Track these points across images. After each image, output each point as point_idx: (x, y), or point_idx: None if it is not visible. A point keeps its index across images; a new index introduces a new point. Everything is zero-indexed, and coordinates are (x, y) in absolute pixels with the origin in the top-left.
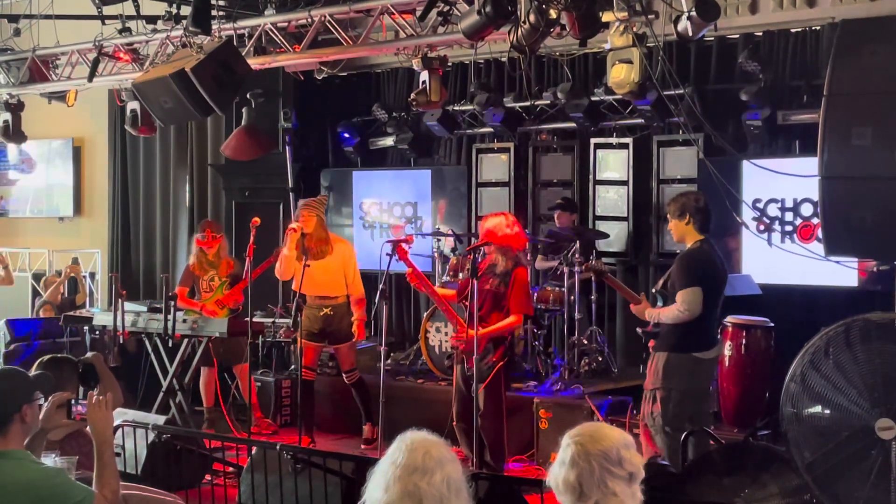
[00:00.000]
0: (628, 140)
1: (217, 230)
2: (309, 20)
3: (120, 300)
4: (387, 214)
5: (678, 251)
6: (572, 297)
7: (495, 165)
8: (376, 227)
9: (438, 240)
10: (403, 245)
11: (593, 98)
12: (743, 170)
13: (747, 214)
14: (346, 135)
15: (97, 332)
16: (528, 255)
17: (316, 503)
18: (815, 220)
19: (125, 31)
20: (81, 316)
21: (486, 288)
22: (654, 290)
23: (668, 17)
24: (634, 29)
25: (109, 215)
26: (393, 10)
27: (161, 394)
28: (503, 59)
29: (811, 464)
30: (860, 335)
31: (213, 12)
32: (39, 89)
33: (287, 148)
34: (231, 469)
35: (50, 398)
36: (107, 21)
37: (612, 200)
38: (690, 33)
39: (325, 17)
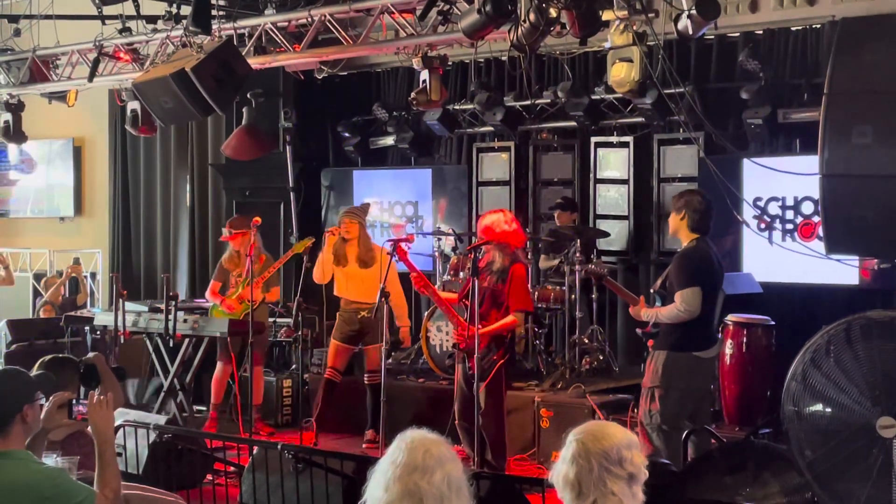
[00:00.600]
0: (629, 139)
1: (237, 226)
2: (309, 20)
3: (121, 300)
4: (387, 214)
5: (678, 249)
6: (573, 296)
7: (496, 164)
8: (377, 226)
9: (439, 239)
10: (403, 244)
11: (594, 97)
12: (743, 168)
13: (748, 213)
14: (347, 134)
15: (98, 333)
16: (529, 254)
17: (317, 503)
18: (816, 219)
19: (125, 30)
20: (82, 316)
21: (484, 286)
22: (652, 291)
23: (668, 16)
24: (635, 27)
25: (110, 215)
26: (393, 10)
27: (162, 393)
28: (503, 58)
29: (812, 462)
30: (861, 333)
31: (213, 12)
32: (40, 89)
33: (287, 147)
34: (232, 469)
35: (51, 398)
36: (107, 21)
37: (612, 199)
38: (691, 32)
39: (325, 16)
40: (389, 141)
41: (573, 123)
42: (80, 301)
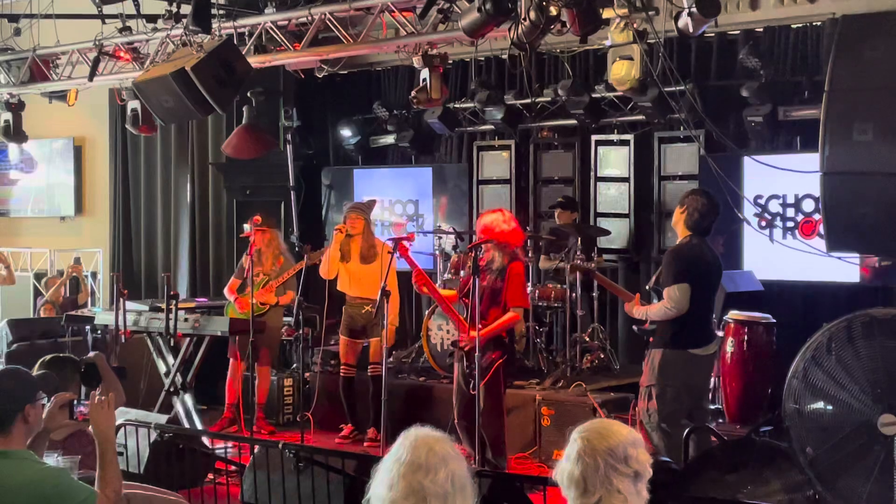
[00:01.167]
0: (629, 137)
1: (259, 223)
2: (309, 18)
3: (121, 299)
4: (388, 212)
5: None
6: (574, 294)
7: (496, 163)
8: (378, 224)
9: (440, 237)
10: (405, 242)
11: (594, 95)
12: (744, 166)
13: (749, 210)
14: (347, 133)
15: (99, 332)
16: (530, 252)
17: (318, 501)
18: (817, 216)
19: (125, 30)
20: (83, 315)
21: (484, 284)
22: (647, 287)
23: (668, 14)
24: (635, 25)
25: (111, 214)
26: (393, 8)
27: (164, 393)
28: (504, 57)
29: (814, 459)
30: (862, 331)
31: (214, 11)
32: (40, 89)
33: (288, 146)
34: (233, 468)
35: (52, 398)
36: (107, 20)
37: (613, 197)
38: (691, 29)
39: (325, 15)
40: (390, 139)
41: (574, 121)
42: (81, 300)
